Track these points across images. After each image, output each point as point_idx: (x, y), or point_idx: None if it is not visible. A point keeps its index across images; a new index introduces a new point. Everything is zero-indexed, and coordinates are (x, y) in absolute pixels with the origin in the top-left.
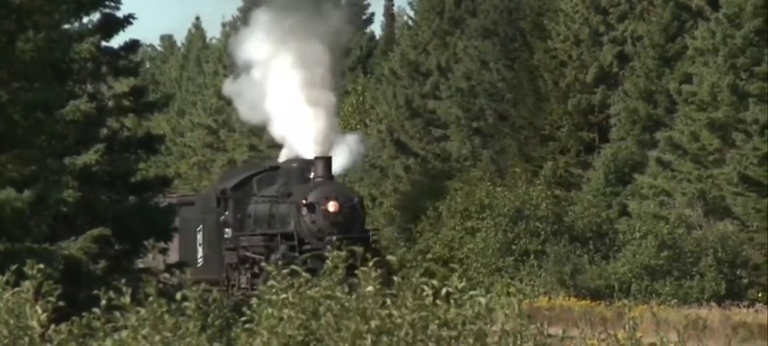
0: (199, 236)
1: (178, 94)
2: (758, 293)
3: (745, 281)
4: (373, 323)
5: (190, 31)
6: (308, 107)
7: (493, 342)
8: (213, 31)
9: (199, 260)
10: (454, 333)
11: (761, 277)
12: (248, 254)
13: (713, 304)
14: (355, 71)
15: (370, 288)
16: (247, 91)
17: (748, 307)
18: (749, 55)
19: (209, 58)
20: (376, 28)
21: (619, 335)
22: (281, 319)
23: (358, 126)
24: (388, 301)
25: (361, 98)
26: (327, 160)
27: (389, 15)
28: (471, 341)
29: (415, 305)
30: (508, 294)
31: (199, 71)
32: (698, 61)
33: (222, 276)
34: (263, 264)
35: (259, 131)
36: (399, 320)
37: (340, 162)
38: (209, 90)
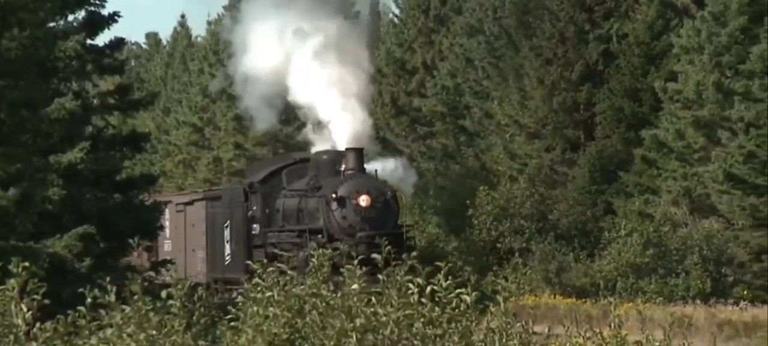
0: (227, 233)
1: (163, 92)
2: (743, 291)
3: (731, 279)
4: (359, 322)
5: (175, 29)
6: (339, 96)
7: (479, 340)
8: (198, 29)
9: (227, 258)
10: (439, 331)
11: (746, 275)
12: (276, 251)
13: (698, 302)
14: None
15: (355, 286)
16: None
17: (734, 305)
18: (734, 53)
19: (194, 56)
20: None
21: (605, 333)
22: (267, 317)
23: None
24: (374, 299)
25: None
26: (358, 152)
27: (375, 13)
28: (456, 339)
29: (400, 303)
30: (495, 292)
31: (184, 69)
32: (683, 59)
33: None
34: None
35: (244, 129)
36: (384, 319)
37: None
38: (194, 88)
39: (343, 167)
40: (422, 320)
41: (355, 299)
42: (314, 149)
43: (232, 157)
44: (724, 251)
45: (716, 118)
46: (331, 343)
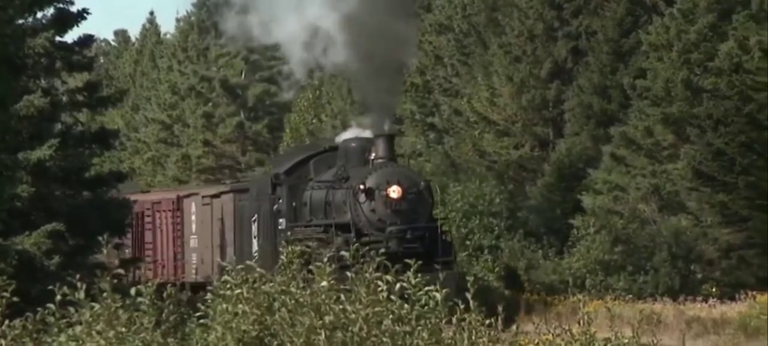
0: (254, 227)
1: (132, 90)
2: (712, 288)
3: (699, 276)
4: (328, 319)
5: (144, 26)
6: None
7: (448, 337)
8: (167, 26)
9: (254, 255)
10: (408, 329)
11: (715, 272)
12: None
13: (667, 299)
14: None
15: (324, 283)
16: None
17: (702, 302)
18: (703, 50)
19: (163, 54)
20: None
21: (574, 330)
22: (236, 314)
23: (314, 121)
24: (343, 296)
25: (317, 93)
26: (388, 139)
27: None
28: (425, 336)
29: (369, 300)
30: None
31: (153, 66)
32: (652, 56)
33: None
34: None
35: (212, 126)
36: (353, 316)
37: None
38: (163, 85)
39: (372, 156)
40: (391, 317)
41: (324, 296)
42: (343, 137)
43: (201, 155)
44: (692, 248)
45: (685, 116)
46: (301, 340)
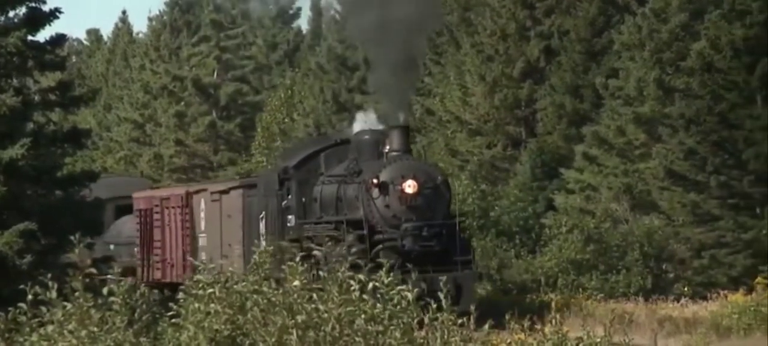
0: (262, 226)
1: (104, 89)
2: (684, 288)
3: (671, 275)
4: (300, 318)
5: (116, 25)
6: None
7: (421, 337)
8: (139, 26)
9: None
10: (380, 328)
11: (687, 271)
12: (313, 246)
13: (639, 298)
14: (281, 66)
15: (296, 283)
16: None
17: (674, 301)
18: (675, 50)
19: (136, 53)
20: (303, 23)
21: (546, 330)
22: (208, 313)
23: (286, 120)
24: (315, 296)
25: (288, 92)
26: (403, 131)
27: (316, 10)
28: (398, 335)
29: (341, 299)
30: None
31: (125, 66)
32: (624, 55)
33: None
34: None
35: (185, 126)
36: (325, 315)
37: None
38: (136, 84)
39: (386, 149)
40: (363, 316)
41: (296, 295)
42: (355, 128)
43: (173, 154)
44: (664, 247)
45: (657, 115)
46: (273, 339)
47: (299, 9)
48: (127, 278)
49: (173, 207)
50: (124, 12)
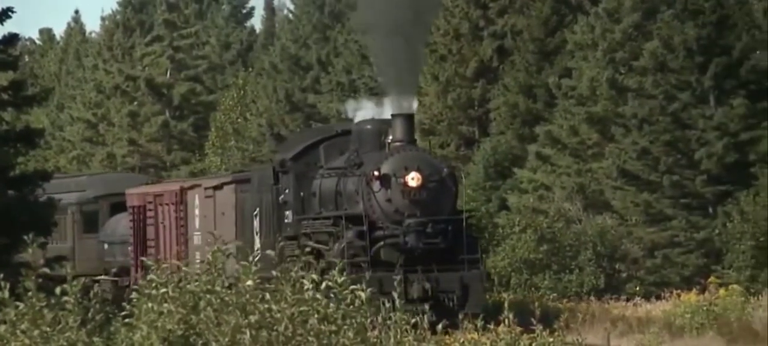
0: (256, 222)
1: (57, 88)
2: (636, 287)
3: (624, 275)
4: (253, 318)
5: (69, 24)
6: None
7: (374, 336)
8: (92, 25)
9: (256, 253)
10: (333, 328)
11: (640, 271)
12: (311, 243)
13: (592, 298)
14: (235, 65)
15: (249, 282)
16: None
17: (627, 301)
18: (628, 50)
19: (89, 52)
20: (256, 23)
21: (499, 329)
22: (161, 313)
23: (239, 120)
24: (268, 295)
25: (241, 92)
26: (407, 120)
27: (269, 9)
28: (351, 335)
29: (294, 299)
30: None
31: (78, 65)
32: (578, 55)
33: None
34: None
35: (138, 125)
36: (278, 315)
37: None
38: (89, 84)
39: (389, 139)
40: (317, 316)
41: (249, 295)
42: (358, 118)
43: (126, 154)
44: (617, 247)
45: (610, 115)
46: (226, 339)
47: (253, 8)
48: (81, 278)
49: (167, 204)
50: (76, 11)
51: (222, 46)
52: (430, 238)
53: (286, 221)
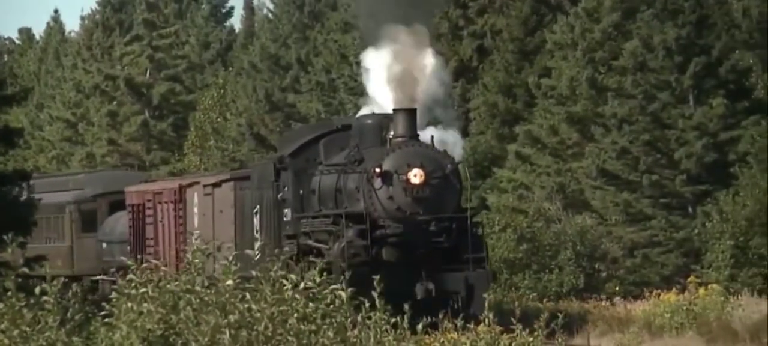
0: (256, 221)
1: (36, 88)
2: (616, 287)
3: (604, 274)
4: (232, 318)
5: (48, 24)
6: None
7: (354, 336)
8: (72, 25)
9: (257, 252)
10: (313, 327)
11: (619, 270)
12: (311, 242)
13: (572, 297)
14: (214, 65)
15: (229, 282)
16: None
17: (607, 300)
18: (607, 49)
19: (68, 52)
20: (236, 22)
21: (479, 329)
22: (141, 313)
23: (218, 119)
24: (247, 295)
25: (221, 91)
26: (409, 114)
27: (249, 8)
28: (331, 334)
29: (274, 299)
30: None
31: (57, 65)
32: (557, 55)
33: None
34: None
35: (117, 125)
36: (258, 315)
37: None
38: (68, 83)
39: (390, 134)
40: (296, 315)
41: (228, 295)
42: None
43: (106, 153)
44: (597, 246)
45: (589, 114)
46: (205, 339)
47: (232, 8)
48: (60, 278)
49: (166, 202)
50: (56, 11)
51: (201, 46)
52: (433, 236)
53: (284, 219)
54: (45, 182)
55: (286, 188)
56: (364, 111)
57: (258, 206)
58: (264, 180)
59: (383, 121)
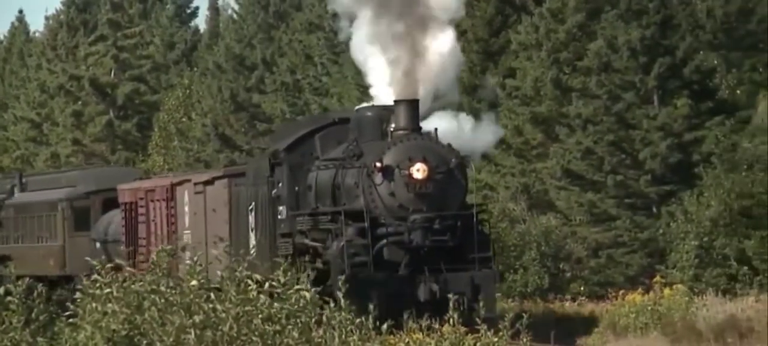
0: (251, 219)
1: (0, 88)
2: (581, 287)
3: (568, 274)
4: (197, 318)
5: (13, 24)
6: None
7: (318, 336)
8: (36, 25)
9: (251, 252)
10: (278, 328)
11: (584, 271)
12: (307, 242)
13: (537, 298)
14: (179, 65)
15: (194, 282)
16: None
17: (571, 300)
18: (572, 50)
19: (32, 52)
20: (201, 22)
21: (444, 329)
22: (105, 313)
23: (183, 119)
24: (212, 295)
25: (186, 92)
26: (411, 105)
27: (214, 8)
28: (296, 335)
29: (239, 299)
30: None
31: (22, 65)
32: (522, 55)
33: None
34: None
35: (82, 125)
36: (223, 315)
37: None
38: (32, 83)
39: (391, 127)
40: (261, 316)
41: (193, 295)
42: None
43: (70, 154)
44: (561, 246)
45: (554, 115)
46: (170, 339)
47: (197, 8)
48: (25, 278)
49: (158, 200)
50: (20, 11)
51: (166, 46)
52: (437, 235)
53: (279, 217)
54: (37, 179)
55: (280, 184)
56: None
57: (253, 203)
58: (259, 176)
59: (383, 113)
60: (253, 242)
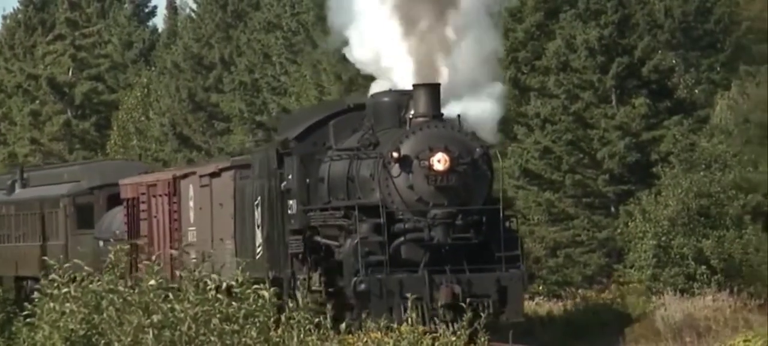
0: (257, 214)
1: None
2: (539, 287)
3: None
4: (156, 318)
5: None
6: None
7: (277, 336)
8: None
9: (258, 250)
10: (236, 327)
11: (542, 270)
12: (319, 238)
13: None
14: (137, 64)
15: (152, 282)
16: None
17: (530, 299)
18: (530, 50)
19: None
20: (159, 22)
21: (402, 329)
22: (63, 313)
23: (142, 119)
24: (171, 295)
25: (144, 91)
26: (432, 90)
27: (172, 8)
28: (254, 334)
29: (197, 299)
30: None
31: None
32: None
33: (287, 271)
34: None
35: (40, 124)
36: (181, 315)
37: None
38: None
39: (410, 113)
40: (219, 315)
41: (152, 295)
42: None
43: (28, 153)
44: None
45: (512, 114)
46: (128, 339)
47: (155, 7)
48: None
49: (160, 195)
50: None
51: (124, 45)
52: (460, 232)
53: (289, 212)
54: (39, 173)
55: (290, 176)
56: (376, 86)
57: (259, 197)
58: (266, 168)
59: (401, 99)
60: (259, 240)
